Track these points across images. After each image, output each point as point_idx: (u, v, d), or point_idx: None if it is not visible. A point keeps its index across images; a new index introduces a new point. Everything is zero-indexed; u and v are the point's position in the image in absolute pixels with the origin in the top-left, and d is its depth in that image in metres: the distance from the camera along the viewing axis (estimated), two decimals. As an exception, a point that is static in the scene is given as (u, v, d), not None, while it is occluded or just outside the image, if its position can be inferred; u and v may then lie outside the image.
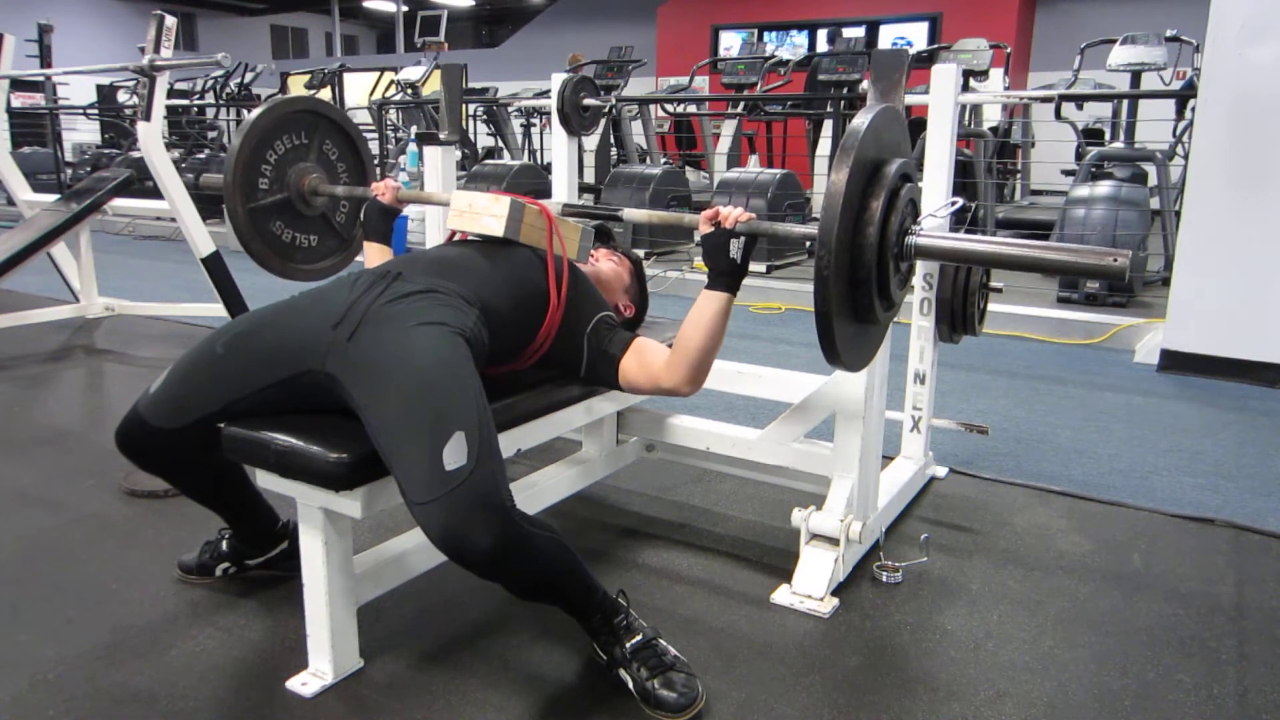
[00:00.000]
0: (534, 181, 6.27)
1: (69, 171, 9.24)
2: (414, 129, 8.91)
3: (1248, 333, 3.62)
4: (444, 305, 1.58)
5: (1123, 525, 2.30)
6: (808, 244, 1.63)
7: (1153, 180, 5.43)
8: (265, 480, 1.57)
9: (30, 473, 2.55)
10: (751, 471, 2.26)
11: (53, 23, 8.36)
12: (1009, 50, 7.15)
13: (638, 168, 6.64)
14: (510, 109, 8.64)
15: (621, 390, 1.76)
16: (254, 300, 2.35)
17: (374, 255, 2.06)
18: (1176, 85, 5.96)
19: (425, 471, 1.36)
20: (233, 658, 1.67)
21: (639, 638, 1.56)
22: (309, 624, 1.59)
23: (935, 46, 7.88)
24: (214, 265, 3.59)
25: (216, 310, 3.73)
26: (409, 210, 5.91)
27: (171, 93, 9.69)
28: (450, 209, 1.85)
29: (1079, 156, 6.49)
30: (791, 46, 11.28)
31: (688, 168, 8.58)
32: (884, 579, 1.98)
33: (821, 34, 11.01)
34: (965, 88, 5.91)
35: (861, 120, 1.39)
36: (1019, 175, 8.83)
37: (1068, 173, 6.76)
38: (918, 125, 2.62)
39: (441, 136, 2.69)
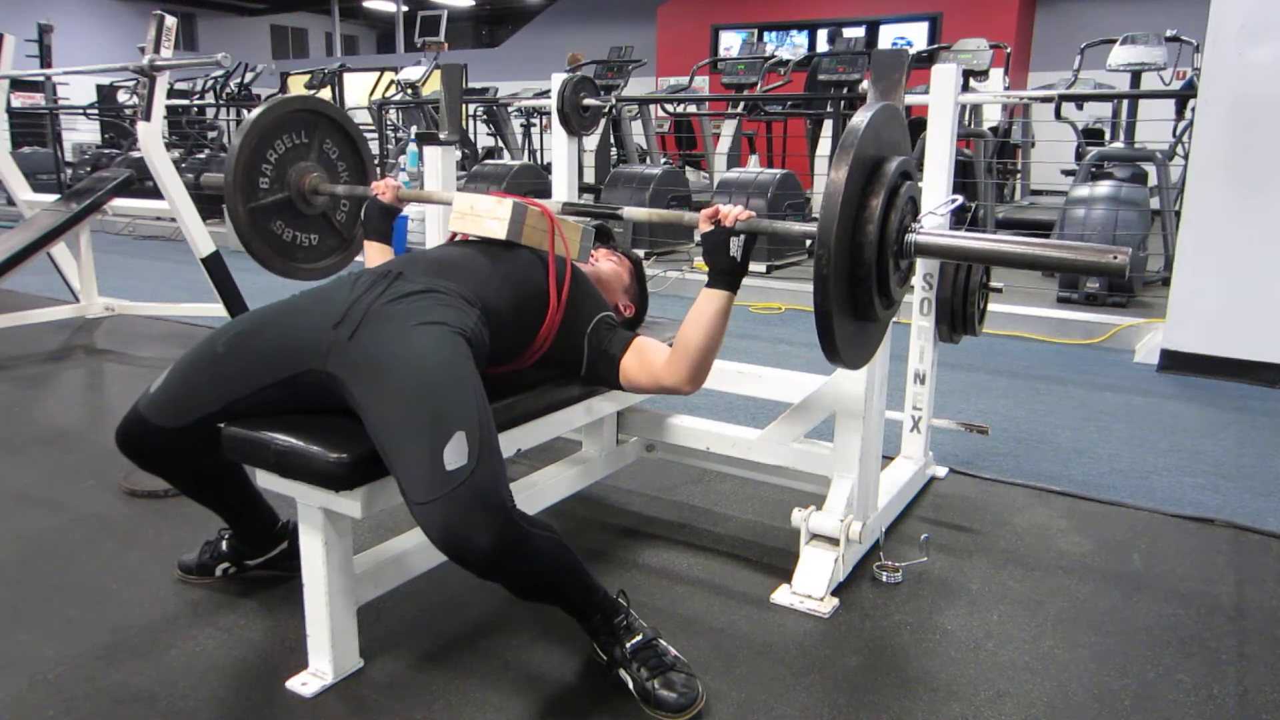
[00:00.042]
0: (534, 181, 6.27)
1: (69, 171, 9.24)
2: (414, 129, 8.92)
3: (1248, 333, 3.62)
4: (445, 305, 1.58)
5: (1123, 525, 2.30)
6: (808, 243, 1.64)
7: (1153, 180, 5.43)
8: (265, 480, 1.57)
9: (30, 473, 2.55)
10: (751, 471, 2.26)
11: (53, 23, 8.36)
12: (1009, 50, 7.15)
13: (638, 168, 6.64)
14: (510, 109, 8.64)
15: (622, 389, 1.76)
16: (254, 300, 2.36)
17: (374, 254, 2.06)
18: (1176, 85, 5.96)
19: (426, 471, 1.36)
20: (233, 658, 1.67)
21: (639, 638, 1.56)
22: (309, 624, 1.59)
23: (935, 46, 7.88)
24: (214, 265, 3.59)
25: (216, 310, 3.73)
26: (409, 210, 5.91)
27: (171, 93, 9.69)
28: (452, 211, 1.85)
29: (1079, 156, 6.49)
30: (791, 46, 11.28)
31: (688, 168, 8.58)
32: (884, 579, 1.98)
33: (821, 34, 11.01)
34: (965, 88, 5.91)
35: (861, 118, 1.39)
36: (1019, 175, 8.83)
37: (1068, 173, 6.76)
38: (918, 125, 2.62)
39: (441, 136, 2.69)
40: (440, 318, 1.55)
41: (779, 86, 7.59)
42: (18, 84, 7.94)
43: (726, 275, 1.60)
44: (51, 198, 4.26)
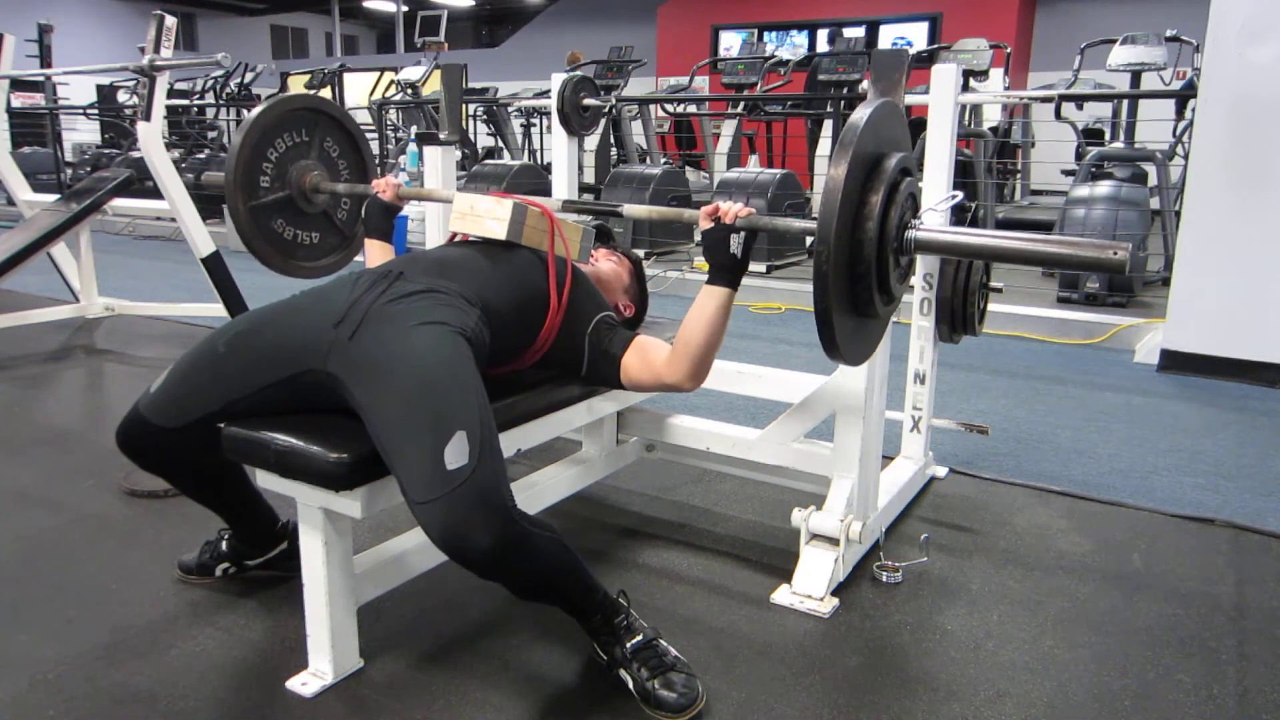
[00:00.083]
0: (534, 181, 6.27)
1: (69, 171, 9.24)
2: (414, 129, 8.92)
3: (1248, 333, 3.62)
4: (445, 305, 1.58)
5: (1123, 525, 2.30)
6: (807, 242, 1.64)
7: (1153, 180, 5.43)
8: (265, 480, 1.57)
9: (30, 473, 2.55)
10: (751, 471, 2.26)
11: (53, 23, 8.36)
12: (1009, 50, 7.15)
13: (638, 168, 6.64)
14: (510, 109, 8.64)
15: (624, 388, 1.76)
16: (254, 300, 2.36)
17: (375, 253, 2.06)
18: (1176, 85, 5.96)
19: (426, 471, 1.36)
20: (233, 658, 1.67)
21: (639, 638, 1.56)
22: (309, 624, 1.59)
23: (935, 46, 7.88)
24: (214, 265, 3.59)
25: (216, 310, 3.73)
26: (409, 210, 5.91)
27: (171, 93, 9.69)
28: (452, 211, 1.85)
29: (1079, 156, 6.49)
30: (791, 46, 11.28)
31: (688, 168, 8.58)
32: (884, 579, 1.98)
33: (822, 34, 11.01)
34: (965, 88, 5.90)
35: (860, 114, 1.39)
36: (1019, 175, 8.83)
37: (1068, 173, 6.76)
38: (918, 125, 2.62)
39: (441, 136, 2.69)
40: (441, 317, 1.55)
41: (779, 86, 7.59)
42: (18, 84, 7.94)
43: (727, 272, 1.60)
44: (51, 198, 4.26)
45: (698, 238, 6.45)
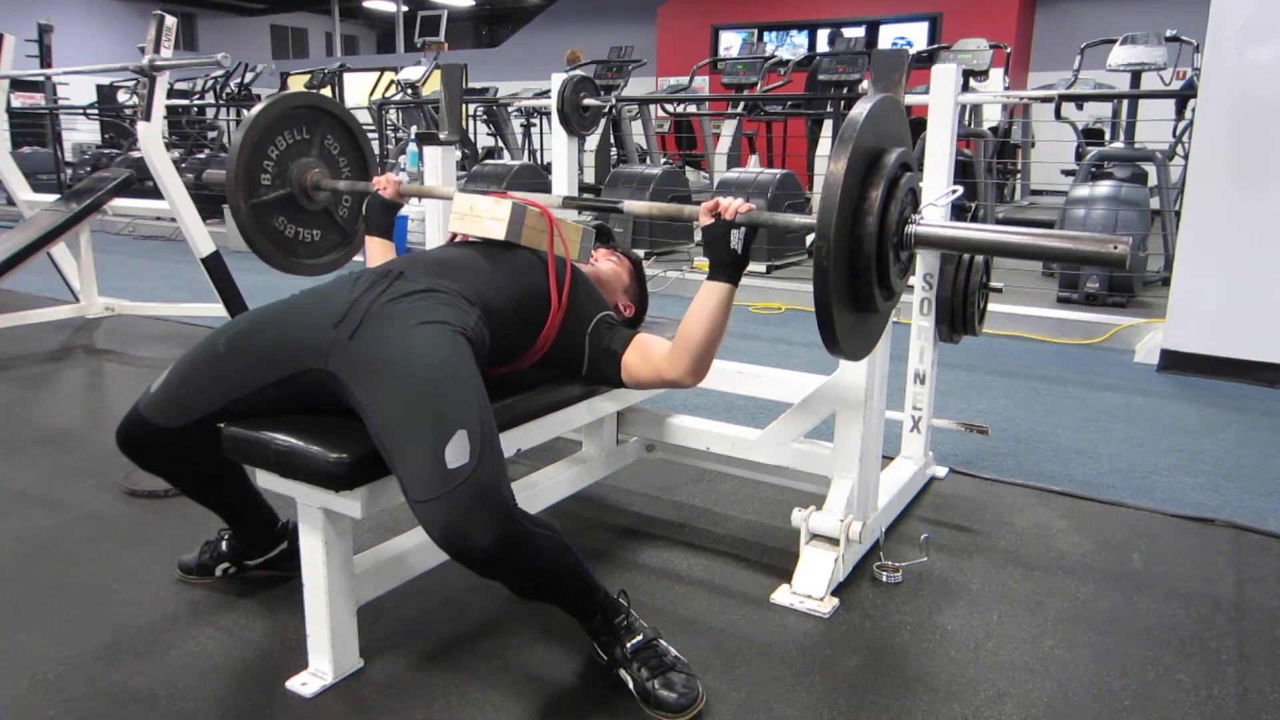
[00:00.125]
0: (534, 181, 6.27)
1: (69, 171, 9.24)
2: (414, 129, 8.92)
3: (1248, 333, 3.62)
4: (445, 304, 1.58)
5: (1123, 525, 2.30)
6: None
7: (1153, 180, 5.43)
8: (265, 480, 1.57)
9: (30, 473, 2.55)
10: (751, 471, 2.25)
11: (53, 23, 8.36)
12: (1009, 50, 7.16)
13: (638, 168, 6.64)
14: (510, 109, 8.64)
15: (625, 386, 1.76)
16: (254, 300, 2.36)
17: (376, 250, 2.06)
18: (1176, 85, 5.96)
19: (427, 469, 1.36)
20: (233, 658, 1.67)
21: (639, 638, 1.56)
22: (309, 624, 1.59)
23: (935, 46, 7.88)
24: (214, 265, 3.59)
25: (216, 310, 3.73)
26: (409, 210, 5.91)
27: (171, 93, 9.69)
28: (452, 212, 1.85)
29: (1079, 156, 6.49)
30: (791, 46, 11.28)
31: (688, 168, 8.58)
32: (884, 579, 1.98)
33: (822, 34, 11.01)
34: (965, 88, 5.90)
35: (860, 109, 1.39)
36: (1019, 175, 8.84)
37: (1068, 173, 6.76)
38: (918, 125, 2.62)
39: (441, 136, 2.69)
40: (441, 317, 1.55)
41: (779, 86, 7.60)
42: (18, 84, 7.93)
43: (727, 267, 1.60)
44: (51, 198, 4.26)
45: (698, 237, 6.47)
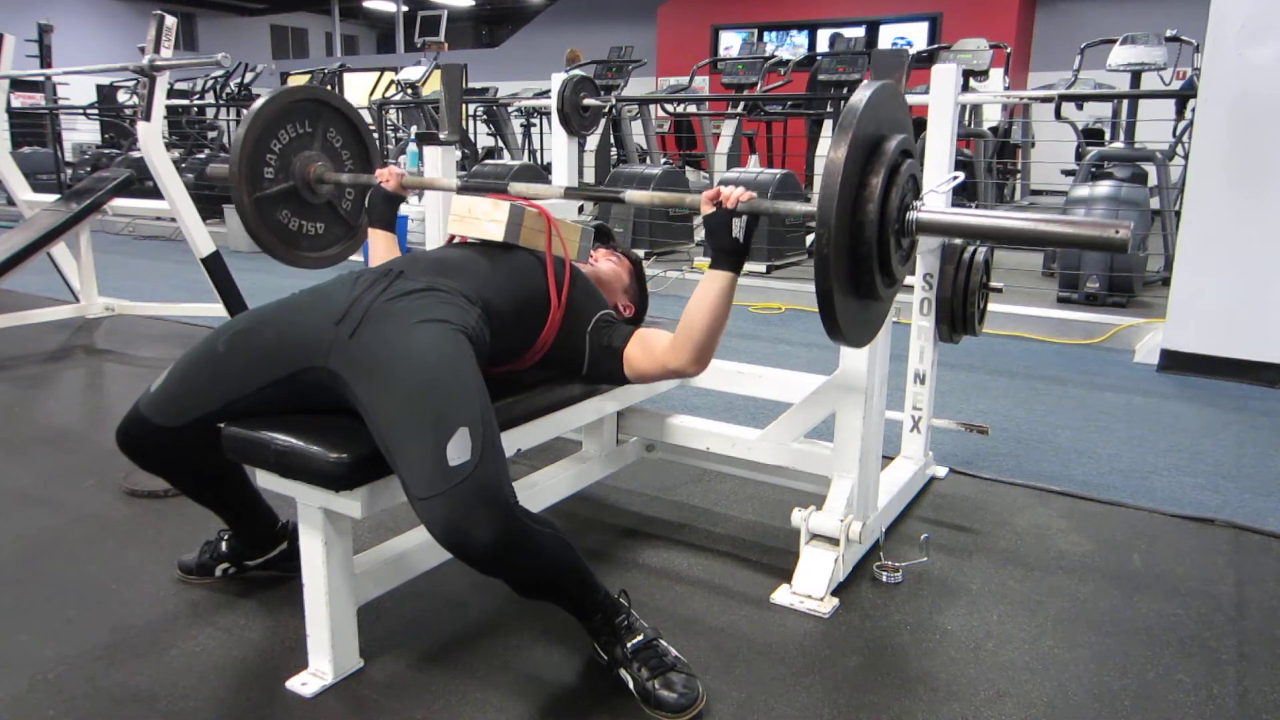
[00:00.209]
0: (534, 182, 6.26)
1: (69, 171, 9.24)
2: (414, 129, 8.91)
3: (1248, 333, 3.62)
4: (446, 303, 1.58)
5: (1123, 525, 2.30)
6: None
7: (1153, 180, 5.44)
8: (265, 480, 1.57)
9: (30, 473, 2.55)
10: (751, 471, 2.25)
11: (53, 23, 8.35)
12: (1009, 50, 7.16)
13: (638, 168, 6.64)
14: (510, 109, 8.64)
15: (628, 381, 1.76)
16: (254, 300, 2.36)
17: (378, 243, 2.06)
18: (1176, 85, 5.96)
19: (429, 467, 1.36)
20: (233, 658, 1.67)
21: (640, 638, 1.56)
22: (309, 624, 1.59)
23: (935, 46, 7.88)
24: (214, 265, 3.59)
25: (216, 310, 3.73)
26: (409, 210, 5.91)
27: (171, 93, 9.69)
28: (450, 214, 1.86)
29: (1079, 156, 6.50)
30: (791, 46, 11.28)
31: (688, 168, 8.58)
32: (884, 579, 1.98)
33: (823, 34, 11.01)
34: (965, 88, 5.91)
35: (860, 96, 1.39)
36: (1019, 175, 8.84)
37: (1068, 173, 6.76)
38: (918, 125, 2.62)
39: (441, 136, 2.69)
40: (442, 315, 1.55)
41: (779, 86, 7.60)
42: (18, 84, 7.93)
43: (729, 255, 1.60)
44: (51, 198, 4.26)
45: (698, 237, 6.46)
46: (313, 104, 2.27)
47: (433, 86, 8.35)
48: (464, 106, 7.32)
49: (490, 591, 1.83)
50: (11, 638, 1.73)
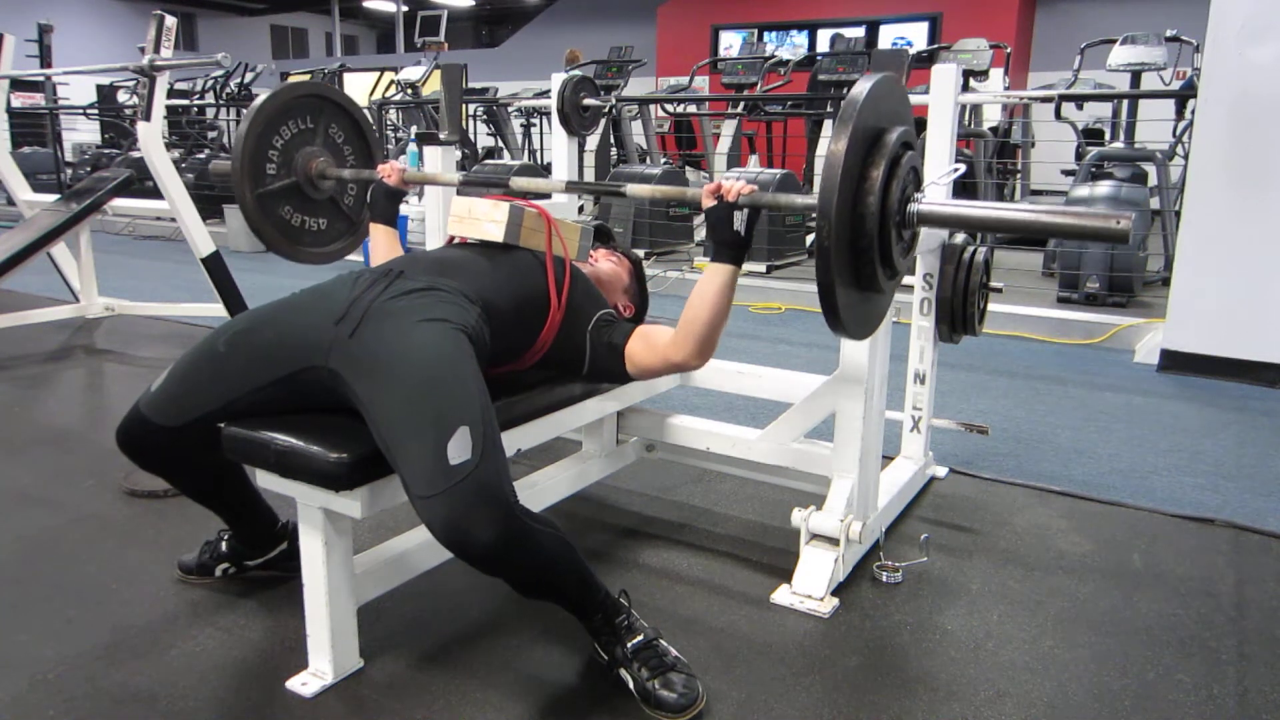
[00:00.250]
0: (534, 181, 6.25)
1: (69, 171, 9.24)
2: (414, 129, 8.91)
3: (1248, 333, 3.62)
4: (446, 302, 1.58)
5: (1123, 525, 2.30)
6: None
7: (1153, 180, 5.43)
8: (265, 480, 1.57)
9: (30, 473, 2.55)
10: (751, 471, 2.26)
11: (53, 23, 8.34)
12: (1009, 50, 7.15)
13: (638, 168, 6.65)
14: (510, 109, 8.64)
15: (630, 379, 1.77)
16: (253, 300, 2.36)
17: (380, 238, 2.06)
18: (1176, 85, 5.96)
19: (429, 466, 1.36)
20: (233, 658, 1.67)
21: (640, 638, 1.56)
22: (309, 624, 1.59)
23: (935, 46, 7.87)
24: (214, 265, 3.59)
25: (216, 310, 3.73)
26: (409, 210, 5.91)
27: (171, 93, 9.69)
28: (450, 215, 1.86)
29: (1079, 156, 6.49)
30: (791, 46, 11.28)
31: (688, 168, 8.58)
32: (884, 579, 1.98)
33: (823, 34, 11.00)
34: (965, 88, 5.91)
35: (861, 88, 1.39)
36: (1019, 175, 8.82)
37: (1068, 173, 6.76)
38: (918, 125, 2.62)
39: (441, 136, 2.70)
40: (442, 314, 1.55)
41: (779, 86, 7.59)
42: (18, 84, 7.93)
43: (730, 248, 1.60)
44: (51, 198, 4.26)
45: (698, 237, 6.46)
46: (315, 100, 2.28)
47: (433, 86, 8.35)
48: (464, 106, 7.32)
49: (490, 591, 1.83)
50: (11, 638, 1.73)
